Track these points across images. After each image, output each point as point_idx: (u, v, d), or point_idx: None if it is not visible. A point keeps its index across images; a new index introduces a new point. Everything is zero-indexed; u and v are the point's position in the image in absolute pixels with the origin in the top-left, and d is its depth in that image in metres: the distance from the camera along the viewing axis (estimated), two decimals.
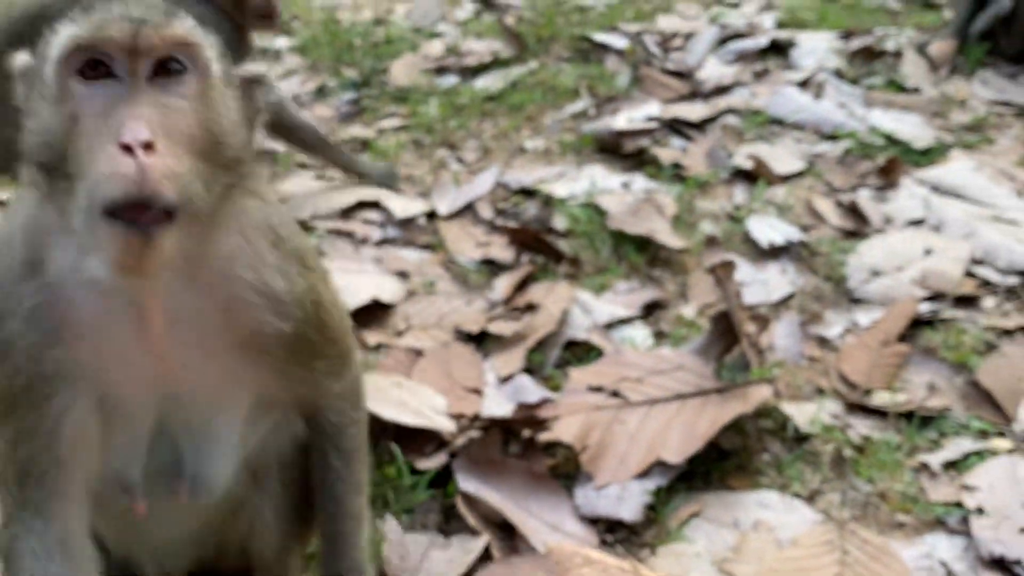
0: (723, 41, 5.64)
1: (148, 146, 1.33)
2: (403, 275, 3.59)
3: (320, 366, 1.85)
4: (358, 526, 2.04)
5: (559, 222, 3.87)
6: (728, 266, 2.99)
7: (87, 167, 1.37)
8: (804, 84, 5.01)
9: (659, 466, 2.55)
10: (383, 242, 3.85)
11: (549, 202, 4.03)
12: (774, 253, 3.61)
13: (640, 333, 3.23)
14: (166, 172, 1.35)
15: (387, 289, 3.44)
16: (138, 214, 1.34)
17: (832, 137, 4.49)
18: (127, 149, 1.33)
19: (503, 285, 3.49)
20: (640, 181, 4.16)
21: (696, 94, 5.01)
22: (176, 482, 1.80)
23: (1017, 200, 3.83)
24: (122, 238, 1.36)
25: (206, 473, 1.82)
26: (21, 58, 1.56)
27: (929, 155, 4.28)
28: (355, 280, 3.40)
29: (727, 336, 2.89)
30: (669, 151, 4.39)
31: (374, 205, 4.04)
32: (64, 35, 1.45)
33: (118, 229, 1.35)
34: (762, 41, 5.55)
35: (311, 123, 4.20)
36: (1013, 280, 3.37)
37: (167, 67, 1.46)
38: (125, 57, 1.43)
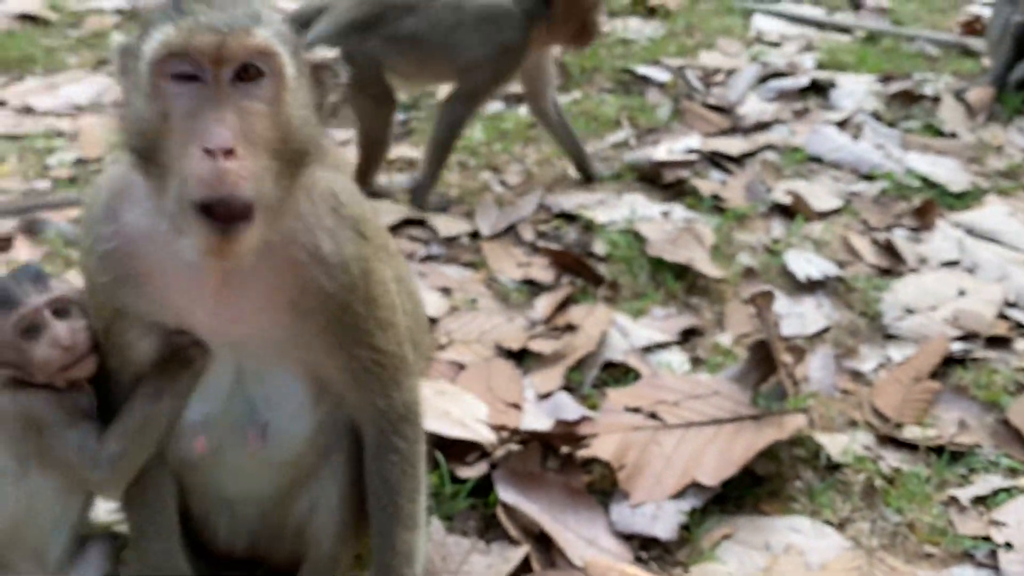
0: (764, 79, 5.75)
1: (229, 152, 1.53)
2: (446, 291, 3.68)
3: (364, 356, 1.90)
4: (406, 563, 2.01)
5: (599, 247, 3.95)
6: (768, 296, 3.06)
7: (177, 163, 1.57)
8: (843, 124, 5.10)
9: (694, 488, 2.62)
10: (427, 259, 3.95)
11: (589, 227, 4.12)
12: (810, 287, 3.69)
13: (677, 358, 3.31)
14: (244, 174, 1.55)
15: (431, 304, 3.52)
16: (221, 211, 1.55)
17: (869, 177, 4.57)
18: (210, 154, 1.52)
19: (543, 305, 3.58)
20: (679, 211, 4.24)
21: (736, 129, 5.11)
22: (249, 428, 1.93)
23: None
24: (209, 234, 1.57)
25: (278, 424, 1.94)
26: (117, 40, 1.74)
27: (964, 199, 4.36)
28: None
29: (764, 365, 2.96)
30: (708, 183, 4.48)
31: (420, 223, 4.15)
32: (157, 40, 1.60)
33: (206, 226, 1.56)
34: (802, 81, 5.65)
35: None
36: None
37: (247, 71, 1.62)
38: (209, 64, 1.59)
